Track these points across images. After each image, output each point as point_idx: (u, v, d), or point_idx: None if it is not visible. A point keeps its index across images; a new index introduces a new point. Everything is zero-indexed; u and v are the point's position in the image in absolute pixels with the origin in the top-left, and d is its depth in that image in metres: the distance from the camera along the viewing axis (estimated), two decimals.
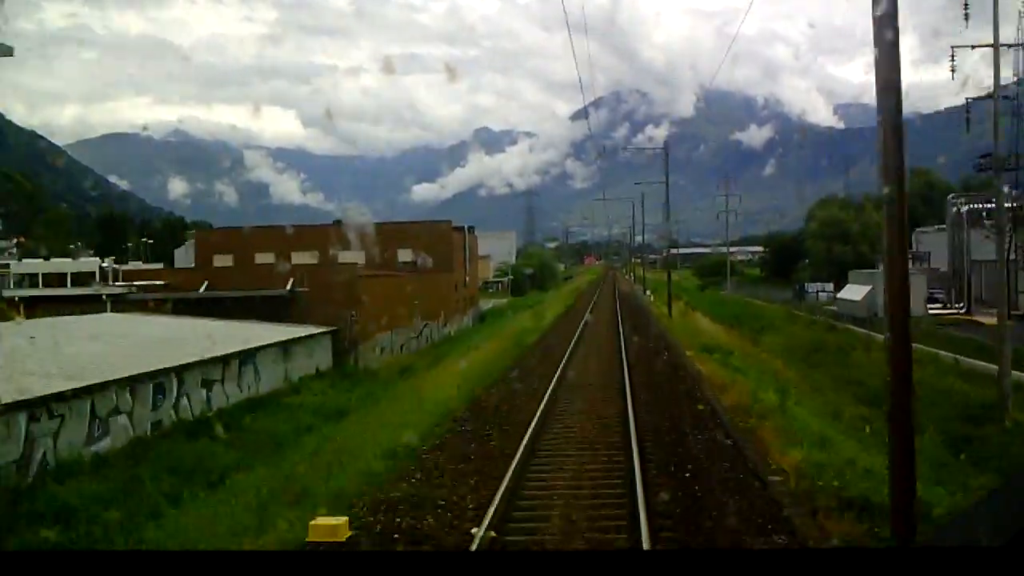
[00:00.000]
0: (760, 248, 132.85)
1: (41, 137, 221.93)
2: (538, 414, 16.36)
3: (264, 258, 50.67)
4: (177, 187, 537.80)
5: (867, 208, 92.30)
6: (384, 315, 36.71)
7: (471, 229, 58.69)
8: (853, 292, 50.13)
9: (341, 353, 31.43)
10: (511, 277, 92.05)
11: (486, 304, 73.83)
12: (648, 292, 69.17)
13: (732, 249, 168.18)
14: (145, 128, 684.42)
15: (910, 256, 57.56)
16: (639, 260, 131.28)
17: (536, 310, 56.71)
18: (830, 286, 68.33)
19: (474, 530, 9.61)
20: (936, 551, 2.11)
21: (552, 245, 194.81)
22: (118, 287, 32.10)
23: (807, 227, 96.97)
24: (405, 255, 50.69)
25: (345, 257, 51.72)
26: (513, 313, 56.83)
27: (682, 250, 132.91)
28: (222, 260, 50.46)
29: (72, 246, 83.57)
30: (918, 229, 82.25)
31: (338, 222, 55.40)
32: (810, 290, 69.44)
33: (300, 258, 50.57)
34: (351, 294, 32.42)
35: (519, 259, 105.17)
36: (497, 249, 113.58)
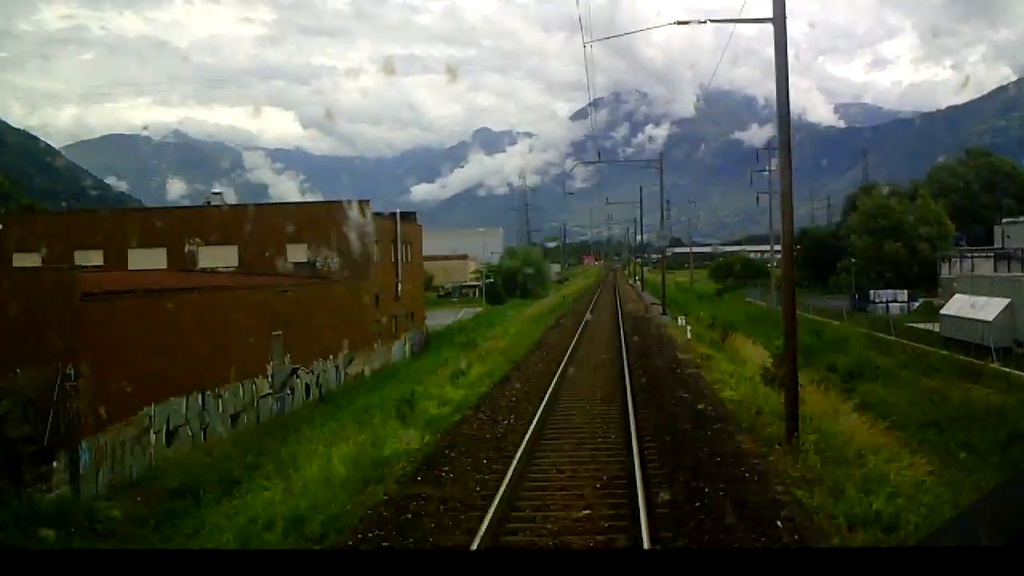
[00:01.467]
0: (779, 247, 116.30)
1: (36, 138, 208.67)
2: None
3: (92, 257, 34.31)
4: (176, 188, 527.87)
5: (924, 197, 75.84)
6: (188, 362, 20.04)
7: (408, 216, 41.26)
8: (971, 307, 33.43)
9: (27, 461, 14.74)
10: (489, 280, 74.88)
11: (456, 314, 57.71)
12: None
13: (743, 248, 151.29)
14: (145, 128, 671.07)
15: (992, 255, 40.33)
16: (639, 260, 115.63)
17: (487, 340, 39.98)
18: (903, 294, 51.65)
19: None
20: (936, 551, 2.06)
21: (552, 244, 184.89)
22: None
23: (848, 219, 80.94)
24: (300, 253, 33.84)
25: (215, 255, 35.21)
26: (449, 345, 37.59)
27: (685, 249, 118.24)
28: (26, 259, 33.97)
29: None
30: (1004, 220, 65.65)
31: (208, 203, 38.38)
32: (877, 300, 52.27)
33: (143, 258, 34.22)
34: (64, 327, 15.63)
35: (502, 259, 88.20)
36: (482, 248, 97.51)
